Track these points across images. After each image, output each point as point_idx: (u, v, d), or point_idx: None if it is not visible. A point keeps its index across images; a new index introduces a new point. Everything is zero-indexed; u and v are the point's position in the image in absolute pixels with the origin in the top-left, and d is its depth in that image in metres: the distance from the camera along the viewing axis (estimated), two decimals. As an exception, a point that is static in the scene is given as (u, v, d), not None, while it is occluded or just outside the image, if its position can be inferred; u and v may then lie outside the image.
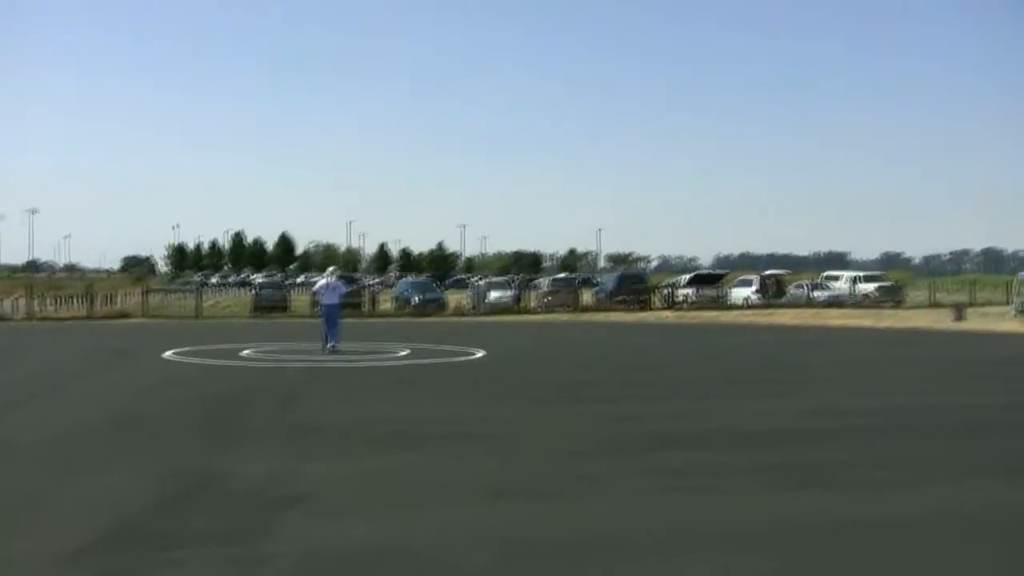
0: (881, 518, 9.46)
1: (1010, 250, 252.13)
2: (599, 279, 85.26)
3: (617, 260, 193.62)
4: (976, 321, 47.51)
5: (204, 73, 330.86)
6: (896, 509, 9.89)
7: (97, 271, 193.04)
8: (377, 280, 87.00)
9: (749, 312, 58.23)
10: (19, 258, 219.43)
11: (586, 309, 60.77)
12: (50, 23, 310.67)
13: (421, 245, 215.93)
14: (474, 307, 59.22)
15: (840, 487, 10.91)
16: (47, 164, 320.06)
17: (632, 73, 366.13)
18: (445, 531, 8.92)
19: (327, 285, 30.46)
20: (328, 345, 28.67)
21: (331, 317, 29.41)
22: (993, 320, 48.30)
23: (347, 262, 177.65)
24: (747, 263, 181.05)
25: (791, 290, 69.85)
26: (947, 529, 9.14)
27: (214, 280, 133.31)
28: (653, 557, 8.20)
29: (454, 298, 65.68)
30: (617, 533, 8.86)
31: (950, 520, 9.46)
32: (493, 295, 61.27)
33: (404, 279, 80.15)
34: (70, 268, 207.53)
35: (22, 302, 57.25)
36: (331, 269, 33.91)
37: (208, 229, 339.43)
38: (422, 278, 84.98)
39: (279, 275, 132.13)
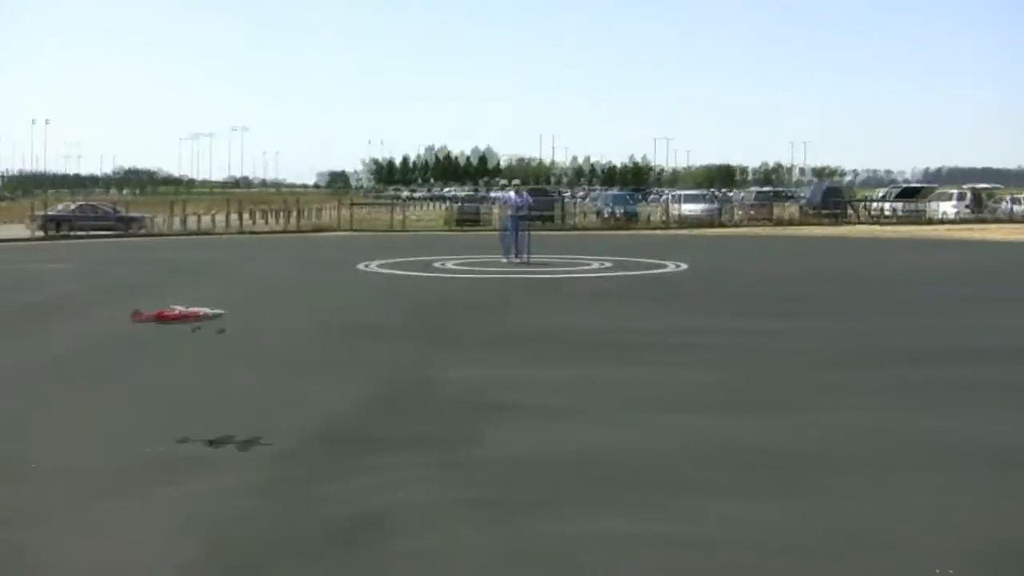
0: None
1: None
2: (800, 193, 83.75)
3: (818, 174, 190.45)
4: None
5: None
6: None
7: (305, 187, 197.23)
8: (578, 194, 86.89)
9: (953, 227, 56.39)
10: (224, 175, 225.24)
11: (786, 223, 59.76)
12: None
13: (618, 160, 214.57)
14: (665, 221, 58.57)
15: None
16: (252, 85, 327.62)
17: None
18: (662, 439, 8.81)
19: (511, 198, 30.85)
20: (509, 257, 28.92)
21: (516, 229, 29.57)
22: None
23: (544, 176, 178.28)
24: (953, 177, 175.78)
25: (1001, 204, 67.20)
26: None
27: (405, 194, 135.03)
28: (869, 470, 7.92)
29: (652, 211, 65.25)
30: (837, 445, 8.66)
31: None
32: (688, 208, 60.58)
33: (601, 192, 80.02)
34: (274, 184, 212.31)
35: (229, 216, 58.51)
36: (515, 182, 34.31)
37: (407, 145, 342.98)
38: (619, 191, 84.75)
39: (474, 190, 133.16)
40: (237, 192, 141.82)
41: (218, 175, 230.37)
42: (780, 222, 59.70)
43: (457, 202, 70.33)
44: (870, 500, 7.12)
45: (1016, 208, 64.47)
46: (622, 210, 59.89)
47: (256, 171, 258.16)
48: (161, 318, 15.08)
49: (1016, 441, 8.81)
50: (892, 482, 7.59)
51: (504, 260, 28.96)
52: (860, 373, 12.16)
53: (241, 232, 53.04)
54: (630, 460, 8.12)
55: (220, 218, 58.63)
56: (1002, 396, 10.80)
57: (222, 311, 13.97)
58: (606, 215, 59.54)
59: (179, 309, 15.43)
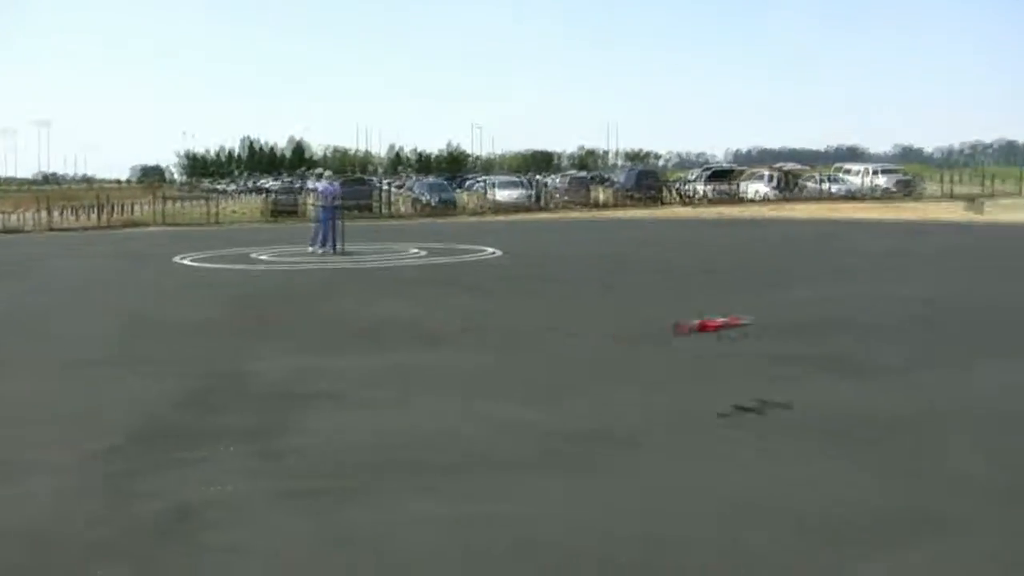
0: (902, 405, 9.52)
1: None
2: (614, 176, 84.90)
3: (632, 157, 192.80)
4: (991, 212, 47.47)
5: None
6: (919, 395, 9.95)
7: (119, 182, 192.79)
8: (395, 183, 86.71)
9: (765, 206, 58.00)
10: (33, 171, 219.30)
11: (601, 206, 60.66)
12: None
13: (435, 147, 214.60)
14: (482, 207, 58.90)
15: (865, 374, 10.94)
16: (60, 78, 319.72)
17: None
18: (471, 424, 8.92)
19: (321, 187, 31.03)
20: (325, 248, 28.75)
21: (327, 219, 29.41)
22: (1008, 210, 48.34)
23: (361, 165, 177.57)
24: (763, 158, 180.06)
25: (807, 184, 69.37)
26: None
27: (222, 186, 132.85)
28: (650, 447, 8.18)
29: (468, 199, 65.57)
30: (632, 424, 8.85)
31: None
32: (503, 194, 61.03)
33: (418, 180, 80.00)
34: (85, 180, 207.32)
35: (39, 214, 56.86)
36: (327, 173, 34.34)
37: (221, 137, 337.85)
38: (436, 179, 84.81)
39: (290, 181, 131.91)
40: (47, 189, 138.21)
41: (26, 172, 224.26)
42: (596, 205, 60.56)
43: (273, 194, 69.48)
44: (666, 475, 7.36)
45: (824, 187, 66.45)
46: (438, 198, 60.09)
47: (67, 167, 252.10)
48: (704, 328, 14.29)
49: (808, 410, 9.14)
50: (687, 460, 7.84)
51: (311, 250, 28.82)
52: (653, 348, 12.48)
53: (51, 229, 51.73)
54: (439, 445, 8.24)
55: (29, 216, 57.06)
56: (796, 368, 11.28)
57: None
58: (424, 203, 59.65)
59: (721, 319, 14.58)
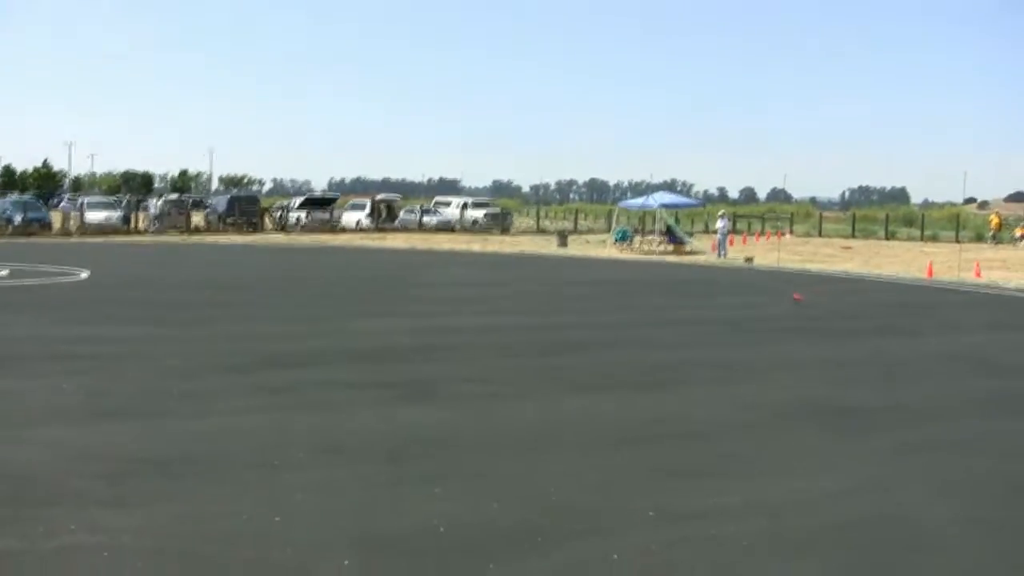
0: (486, 429, 10.24)
1: (612, 182, 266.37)
2: (211, 201, 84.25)
3: (230, 182, 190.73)
4: (578, 247, 50.05)
5: None
6: (501, 420, 10.69)
7: None
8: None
9: (360, 235, 59.10)
10: None
11: (197, 231, 60.23)
12: None
13: (25, 163, 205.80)
14: (79, 228, 57.35)
15: (444, 400, 11.61)
16: None
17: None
18: (44, 452, 8.86)
19: None
20: None
21: None
22: (593, 246, 51.03)
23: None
24: (361, 188, 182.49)
25: (402, 215, 70.94)
26: (540, 437, 9.99)
27: None
28: (253, 471, 8.41)
29: (60, 219, 63.68)
30: (219, 449, 9.11)
31: (545, 427, 10.44)
32: (96, 215, 59.51)
33: (5, 198, 77.07)
34: None
35: None
36: None
37: None
38: (26, 197, 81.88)
39: None
40: None
41: None
42: (193, 230, 59.96)
43: None
44: (254, 501, 7.58)
45: (421, 219, 67.99)
46: (21, 216, 57.78)
47: None
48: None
49: (385, 435, 9.76)
50: (272, 482, 8.14)
51: None
52: (236, 377, 12.87)
53: None
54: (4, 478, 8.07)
55: None
56: (372, 394, 11.87)
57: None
58: (11, 221, 57.37)
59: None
